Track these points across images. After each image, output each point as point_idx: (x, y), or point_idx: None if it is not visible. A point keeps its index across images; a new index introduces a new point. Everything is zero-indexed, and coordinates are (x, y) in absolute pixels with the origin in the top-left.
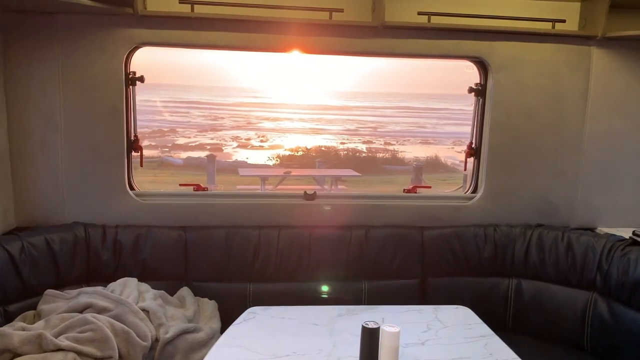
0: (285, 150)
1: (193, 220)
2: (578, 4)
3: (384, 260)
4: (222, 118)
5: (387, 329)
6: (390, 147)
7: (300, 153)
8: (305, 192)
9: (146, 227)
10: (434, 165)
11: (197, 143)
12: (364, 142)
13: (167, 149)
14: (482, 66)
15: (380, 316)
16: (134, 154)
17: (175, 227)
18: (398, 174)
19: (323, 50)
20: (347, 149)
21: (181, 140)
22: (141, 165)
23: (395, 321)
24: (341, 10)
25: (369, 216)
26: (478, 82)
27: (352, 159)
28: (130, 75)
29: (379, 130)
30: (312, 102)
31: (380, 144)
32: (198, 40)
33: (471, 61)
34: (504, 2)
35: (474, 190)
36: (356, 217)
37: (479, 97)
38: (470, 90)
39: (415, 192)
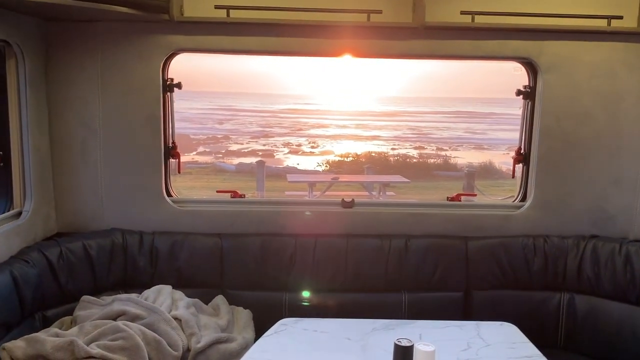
0: (335, 156)
1: (229, 227)
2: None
3: (425, 271)
4: (271, 127)
5: (422, 348)
6: (442, 153)
7: (349, 159)
8: (342, 199)
9: (182, 234)
10: (487, 171)
11: (249, 149)
12: (415, 148)
13: (220, 155)
14: (531, 67)
15: (418, 332)
16: (171, 160)
17: (212, 234)
18: (449, 180)
19: (361, 53)
20: (398, 155)
21: (234, 147)
22: (178, 172)
23: (433, 337)
24: (379, 12)
25: (408, 225)
26: (527, 84)
27: (402, 165)
28: (168, 82)
29: (429, 135)
30: (361, 108)
31: (432, 150)
32: (235, 45)
33: (519, 62)
34: None
35: (523, 199)
36: (395, 225)
37: (528, 100)
38: (519, 92)
39: (459, 201)
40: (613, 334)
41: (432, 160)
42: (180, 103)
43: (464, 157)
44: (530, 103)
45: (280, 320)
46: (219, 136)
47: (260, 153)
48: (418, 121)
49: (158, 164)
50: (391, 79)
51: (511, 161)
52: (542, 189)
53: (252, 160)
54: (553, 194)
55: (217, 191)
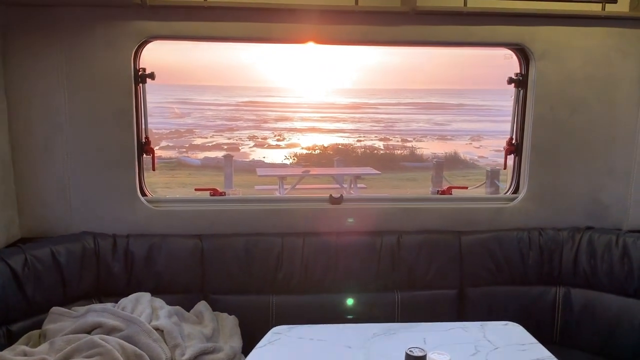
0: (302, 148)
1: (210, 227)
2: None
3: (418, 269)
4: (235, 120)
5: (436, 358)
6: (408, 144)
7: (317, 151)
8: (330, 195)
9: (160, 236)
10: (453, 161)
11: (214, 143)
12: (380, 140)
13: (184, 150)
14: (523, 54)
15: (421, 336)
16: (145, 157)
17: (191, 235)
18: (417, 171)
19: (349, 40)
20: (365, 147)
21: (198, 141)
22: (153, 169)
23: (438, 341)
24: None
25: (400, 220)
26: (518, 72)
27: (369, 157)
28: (140, 72)
29: (393, 128)
30: (323, 99)
31: (397, 141)
32: (213, 32)
33: (511, 49)
34: None
35: (516, 191)
36: (387, 221)
37: (520, 89)
38: (510, 81)
39: (450, 194)
40: (610, 328)
41: (398, 152)
42: None
43: (429, 148)
44: (522, 91)
45: (273, 329)
46: (182, 130)
47: (225, 147)
48: (381, 113)
49: (131, 161)
50: (347, 70)
51: (474, 151)
52: (535, 180)
53: (217, 154)
54: (547, 185)
55: (196, 189)
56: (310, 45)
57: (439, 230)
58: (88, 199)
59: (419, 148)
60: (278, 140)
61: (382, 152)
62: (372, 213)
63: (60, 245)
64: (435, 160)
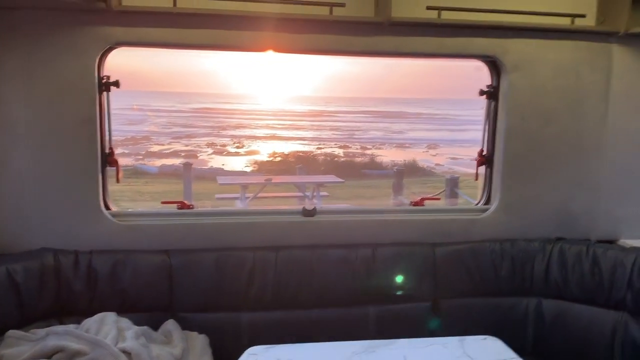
0: (261, 155)
1: (178, 242)
2: None
3: (393, 281)
4: (195, 127)
5: None
6: (368, 152)
7: (278, 159)
8: (304, 207)
9: (125, 251)
10: (412, 169)
11: (171, 150)
12: (340, 147)
13: (140, 157)
14: (494, 66)
15: (401, 353)
16: (109, 168)
17: (158, 251)
18: (378, 178)
19: (322, 50)
20: (325, 154)
21: (155, 148)
22: (117, 182)
23: (419, 359)
24: (342, 5)
25: (374, 233)
26: (489, 83)
27: (330, 164)
28: (104, 80)
29: (353, 136)
30: (281, 107)
31: (357, 149)
32: (183, 39)
33: (482, 61)
34: None
35: (487, 202)
36: (361, 234)
37: (491, 100)
38: (482, 92)
39: (423, 205)
40: (582, 338)
41: (358, 159)
42: None
43: (387, 156)
44: (493, 103)
45: (249, 350)
46: (138, 137)
47: (183, 154)
48: (340, 121)
49: (94, 173)
50: (307, 77)
51: (431, 159)
52: (507, 191)
53: (175, 161)
54: (518, 196)
55: (162, 202)
56: (282, 53)
57: (413, 242)
58: (48, 213)
59: (378, 155)
60: (237, 147)
61: (342, 159)
62: (346, 225)
63: (18, 263)
64: (395, 168)
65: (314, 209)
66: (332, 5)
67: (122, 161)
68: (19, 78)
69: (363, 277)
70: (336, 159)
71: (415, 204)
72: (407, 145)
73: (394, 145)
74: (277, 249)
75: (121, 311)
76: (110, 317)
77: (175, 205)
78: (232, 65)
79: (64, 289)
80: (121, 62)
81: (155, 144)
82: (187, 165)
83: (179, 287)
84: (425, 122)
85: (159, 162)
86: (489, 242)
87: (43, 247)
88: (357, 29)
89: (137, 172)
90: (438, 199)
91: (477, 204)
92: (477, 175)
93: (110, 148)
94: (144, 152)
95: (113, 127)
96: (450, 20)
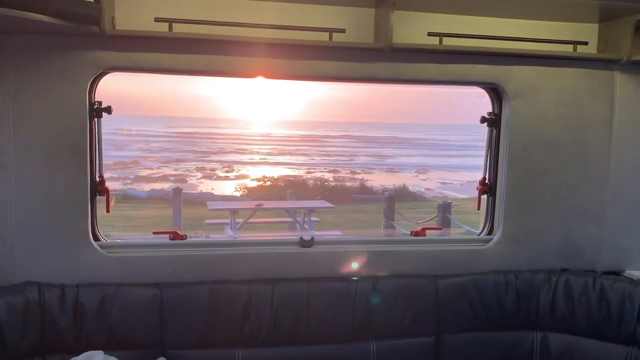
0: (251, 180)
1: (170, 275)
2: (596, 26)
3: (394, 316)
4: (184, 151)
5: None
6: (357, 176)
7: (268, 183)
8: (301, 237)
9: (114, 285)
10: (401, 193)
11: (160, 174)
12: (330, 171)
13: (129, 181)
14: (496, 93)
15: None
16: (99, 197)
17: (149, 284)
18: (369, 203)
19: (322, 76)
20: (315, 178)
21: (144, 172)
22: (107, 211)
23: None
24: (342, 31)
25: (375, 264)
26: (490, 111)
27: (320, 189)
28: (96, 106)
29: (348, 161)
30: (271, 131)
31: (347, 173)
32: (177, 64)
33: (484, 88)
34: (521, 23)
35: (490, 232)
36: (361, 265)
37: (493, 128)
38: (483, 120)
39: (424, 235)
40: None
41: (348, 184)
42: None
43: (377, 180)
44: (495, 130)
45: None
46: (127, 161)
47: (172, 178)
48: (329, 146)
49: (83, 203)
50: (289, 101)
51: (421, 183)
52: (510, 221)
53: (164, 185)
54: (521, 226)
55: (154, 233)
56: (280, 80)
57: (415, 274)
58: (34, 245)
59: (368, 180)
60: (227, 171)
61: (332, 183)
62: (345, 257)
63: (0, 298)
64: (386, 193)
65: (312, 239)
66: (332, 31)
67: (110, 186)
68: (6, 104)
69: (363, 311)
70: (326, 183)
71: (416, 233)
72: (396, 169)
73: (384, 169)
74: (274, 282)
75: (109, 349)
76: (97, 355)
77: (167, 235)
78: (222, 89)
79: (48, 325)
80: (110, 86)
81: (144, 168)
82: (177, 191)
83: (170, 322)
84: (415, 147)
85: (147, 187)
86: (493, 274)
87: (27, 281)
88: (358, 55)
89: (126, 197)
90: (440, 228)
91: (479, 234)
92: (479, 204)
93: (101, 176)
94: (132, 177)
95: (116, 152)
96: (451, 46)
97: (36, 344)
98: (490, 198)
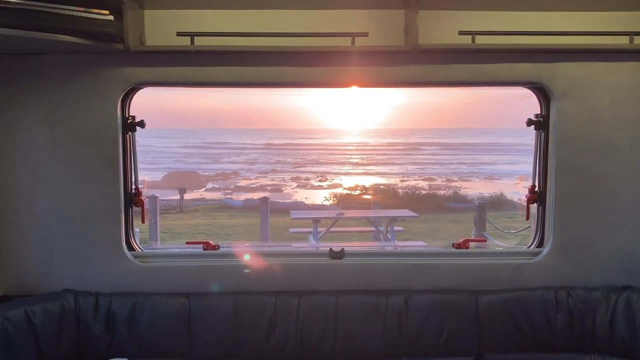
0: (343, 189)
1: (199, 285)
2: None
3: (429, 333)
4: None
5: None
6: (452, 184)
7: (357, 192)
8: (330, 249)
9: (144, 294)
10: (499, 202)
11: (257, 184)
12: (424, 179)
13: (229, 191)
14: (543, 93)
15: None
16: (135, 208)
17: (178, 293)
18: (462, 212)
19: (345, 83)
20: (407, 187)
21: (243, 183)
22: (142, 222)
23: None
24: (365, 35)
25: (409, 278)
26: (538, 112)
27: (410, 197)
28: (129, 120)
29: (448, 167)
30: (363, 140)
31: (442, 181)
32: (202, 77)
33: (528, 88)
34: (565, 16)
35: (540, 245)
36: (393, 279)
37: (541, 131)
38: (530, 122)
39: (467, 247)
40: None
41: (442, 192)
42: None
43: (475, 188)
44: (543, 134)
45: None
46: (228, 172)
47: (268, 188)
48: (423, 154)
49: (117, 214)
50: (376, 108)
51: (522, 190)
52: (561, 232)
53: (261, 195)
54: (575, 238)
55: (187, 243)
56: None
57: (452, 290)
58: (71, 253)
59: (463, 188)
60: (320, 180)
61: (424, 192)
62: (377, 269)
63: (37, 305)
64: (477, 201)
65: (342, 250)
66: (354, 35)
67: (210, 195)
68: (43, 121)
69: (394, 327)
70: (417, 191)
71: (458, 246)
72: (496, 177)
73: (483, 177)
74: (300, 294)
75: (138, 357)
76: None
77: (200, 245)
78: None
79: (82, 332)
80: (205, 101)
81: (243, 179)
82: (264, 200)
83: (197, 332)
84: (520, 152)
85: (244, 196)
86: (541, 290)
87: (66, 289)
88: (383, 59)
89: (223, 206)
90: (484, 240)
91: (528, 247)
92: (528, 214)
93: (136, 188)
94: (232, 187)
95: (199, 159)
96: (486, 45)
97: (72, 350)
98: (540, 207)
